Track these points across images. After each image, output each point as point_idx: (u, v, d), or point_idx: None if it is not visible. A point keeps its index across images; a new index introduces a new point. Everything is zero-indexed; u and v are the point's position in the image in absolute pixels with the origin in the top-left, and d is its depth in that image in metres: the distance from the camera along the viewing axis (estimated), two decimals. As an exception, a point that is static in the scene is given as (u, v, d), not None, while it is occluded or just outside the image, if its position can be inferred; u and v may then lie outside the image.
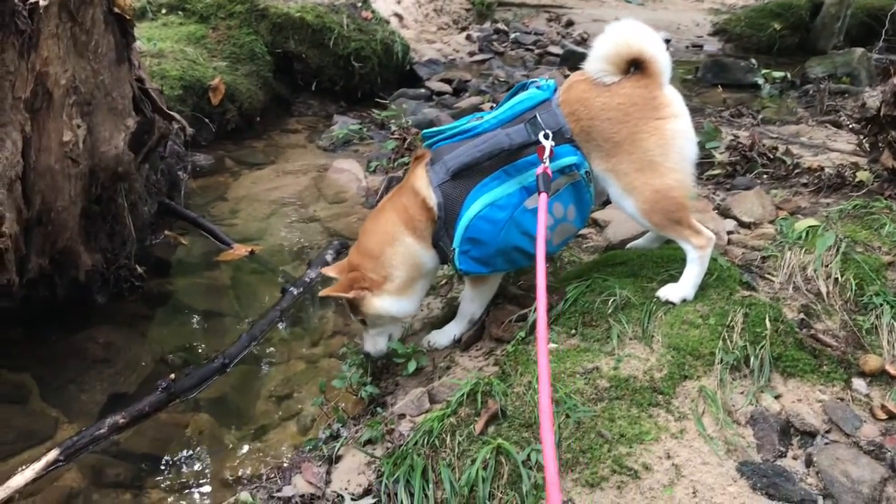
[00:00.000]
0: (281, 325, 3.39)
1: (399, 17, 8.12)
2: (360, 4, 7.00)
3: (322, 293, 2.66)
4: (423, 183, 2.54)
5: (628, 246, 3.00)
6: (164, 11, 6.30)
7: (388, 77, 6.90)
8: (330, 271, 2.79)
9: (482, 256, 2.47)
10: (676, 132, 2.43)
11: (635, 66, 2.46)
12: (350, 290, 2.57)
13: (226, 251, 3.98)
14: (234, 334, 3.25)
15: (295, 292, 3.55)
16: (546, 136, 2.41)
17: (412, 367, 2.62)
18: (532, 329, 2.47)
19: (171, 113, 3.45)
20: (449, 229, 2.49)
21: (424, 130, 2.70)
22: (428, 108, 6.11)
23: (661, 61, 2.45)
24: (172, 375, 2.83)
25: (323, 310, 3.53)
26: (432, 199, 2.50)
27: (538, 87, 2.59)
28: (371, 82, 6.71)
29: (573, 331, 2.43)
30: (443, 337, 2.77)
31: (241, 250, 3.98)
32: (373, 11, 7.08)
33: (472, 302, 2.73)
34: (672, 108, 2.46)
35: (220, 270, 3.88)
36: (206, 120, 5.35)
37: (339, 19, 6.61)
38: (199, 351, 3.24)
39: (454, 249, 2.46)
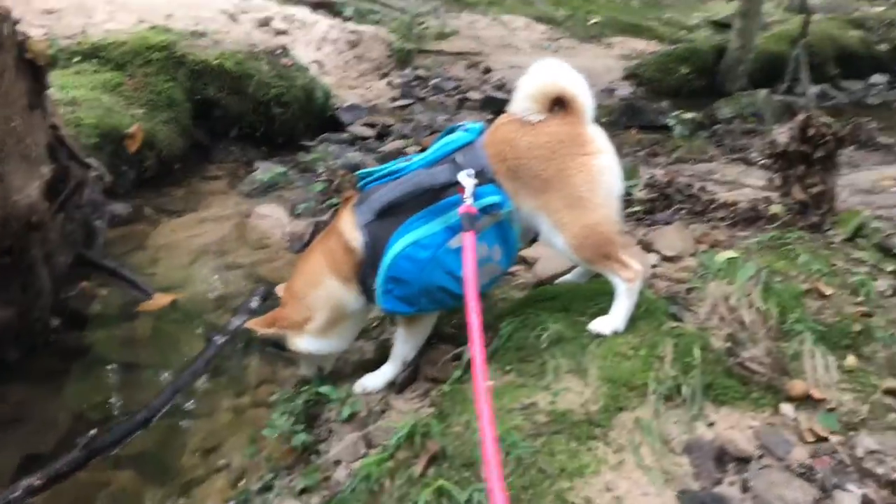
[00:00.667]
0: (206, 376, 3.28)
1: (319, 63, 8.14)
2: (279, 51, 6.98)
3: (247, 324, 2.72)
4: (348, 225, 2.55)
5: (558, 281, 3.04)
6: (76, 59, 6.14)
7: (310, 122, 6.88)
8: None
9: (405, 296, 2.47)
10: (603, 168, 2.48)
11: (560, 105, 2.50)
12: (271, 326, 2.65)
13: (146, 301, 3.85)
14: (157, 387, 3.13)
15: (220, 341, 3.45)
16: (468, 176, 2.43)
17: (346, 412, 2.57)
18: (468, 367, 2.46)
19: (88, 160, 3.34)
20: (375, 268, 2.48)
21: (359, 171, 2.70)
22: (352, 153, 6.10)
23: (585, 100, 2.52)
24: (92, 432, 2.69)
25: (248, 358, 3.44)
26: (357, 240, 2.51)
27: (465, 130, 2.62)
28: (293, 127, 6.67)
29: (509, 367, 2.42)
30: (377, 380, 2.72)
31: (162, 300, 3.85)
32: (293, 58, 7.07)
33: (404, 343, 2.71)
34: (597, 144, 2.52)
35: (141, 321, 3.74)
36: (124, 168, 5.21)
37: (260, 66, 6.57)
38: (120, 405, 3.11)
39: (377, 289, 2.45)
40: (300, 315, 2.64)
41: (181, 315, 3.79)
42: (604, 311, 2.55)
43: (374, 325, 3.17)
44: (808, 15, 4.57)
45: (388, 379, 2.71)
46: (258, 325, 2.70)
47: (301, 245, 4.56)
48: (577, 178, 2.45)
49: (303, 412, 2.70)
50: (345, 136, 6.83)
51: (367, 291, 2.57)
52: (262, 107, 6.49)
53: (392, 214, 2.46)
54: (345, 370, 2.95)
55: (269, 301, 3.88)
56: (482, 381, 1.64)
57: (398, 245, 2.42)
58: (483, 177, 2.46)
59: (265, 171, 5.78)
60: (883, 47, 11.45)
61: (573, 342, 2.45)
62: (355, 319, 2.73)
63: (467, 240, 2.21)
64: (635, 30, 12.29)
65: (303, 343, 2.68)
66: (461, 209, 2.34)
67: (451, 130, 2.67)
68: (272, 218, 4.97)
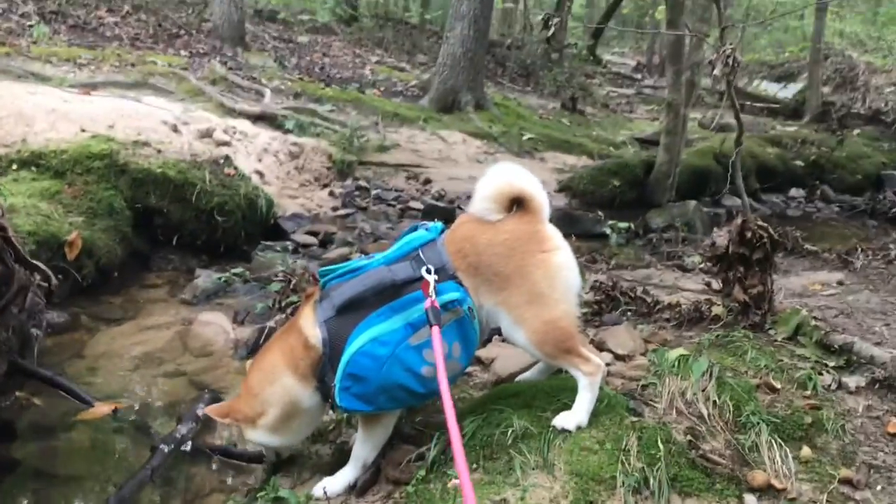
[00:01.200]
0: (152, 486, 3.13)
1: (261, 174, 8.20)
2: (222, 161, 7.03)
3: (205, 409, 2.72)
4: (308, 321, 2.53)
5: (517, 379, 3.04)
6: (14, 167, 6.07)
7: (253, 231, 6.86)
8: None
9: (364, 393, 2.42)
10: (561, 264, 2.56)
11: (517, 205, 2.59)
12: (225, 416, 2.68)
13: (86, 410, 3.69)
14: (99, 499, 2.97)
15: (166, 450, 3.31)
16: (428, 272, 2.46)
17: (306, 516, 2.48)
18: (433, 467, 2.42)
19: (36, 262, 3.27)
20: (334, 365, 2.45)
21: (320, 269, 2.71)
22: (297, 261, 6.10)
23: (541, 199, 2.63)
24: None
25: (197, 467, 3.31)
26: (316, 337, 2.49)
27: (426, 229, 2.68)
28: (235, 236, 6.64)
29: (475, 465, 2.39)
30: (336, 483, 2.64)
31: (102, 408, 3.70)
32: (235, 168, 7.12)
33: (364, 444, 2.65)
34: (555, 241, 2.62)
35: (79, 431, 3.58)
36: (61, 276, 5.08)
37: (202, 175, 6.58)
38: (59, 520, 2.93)
39: (335, 386, 2.41)
40: (253, 410, 2.62)
41: (123, 424, 3.65)
42: (566, 406, 2.56)
43: (331, 427, 3.10)
44: (741, 126, 4.89)
45: (349, 482, 2.63)
46: (214, 413, 2.72)
47: (247, 351, 4.49)
48: (537, 274, 2.51)
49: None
50: (288, 243, 6.84)
51: (324, 389, 2.53)
52: (205, 215, 6.47)
53: (352, 311, 2.45)
54: (304, 475, 2.86)
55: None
56: (464, 467, 1.61)
57: (357, 342, 2.40)
58: (444, 273, 2.49)
59: (207, 279, 5.72)
60: (798, 163, 12.17)
61: (538, 438, 2.44)
62: (309, 416, 2.69)
63: (435, 333, 2.22)
64: (566, 146, 12.80)
65: (255, 436, 2.69)
66: (426, 304, 2.35)
67: (414, 229, 2.71)
68: (215, 325, 4.88)
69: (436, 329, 2.26)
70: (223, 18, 13.72)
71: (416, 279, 2.46)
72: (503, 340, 3.77)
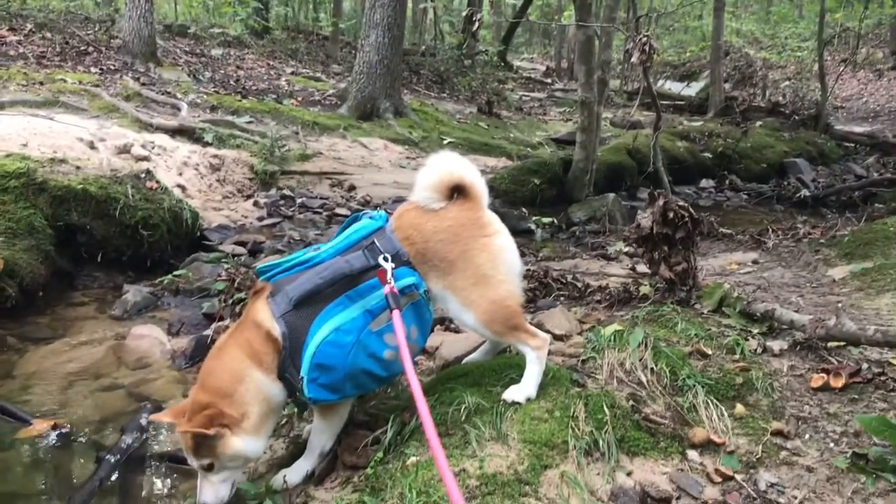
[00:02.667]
0: (100, 497, 3.09)
1: (182, 187, 8.09)
2: (143, 175, 6.91)
3: (180, 429, 2.45)
4: (265, 315, 2.53)
5: (464, 360, 3.14)
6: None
7: (179, 244, 6.76)
8: (164, 417, 2.64)
9: (331, 383, 2.47)
10: (502, 246, 2.69)
11: (458, 192, 2.70)
12: (210, 426, 2.40)
13: (24, 428, 3.61)
14: (45, 514, 2.93)
15: (112, 460, 3.28)
16: (385, 259, 2.54)
17: (267, 508, 2.50)
18: (389, 449, 2.50)
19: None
20: (295, 359, 2.48)
21: (259, 266, 2.73)
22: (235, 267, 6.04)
23: (480, 187, 2.75)
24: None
25: (143, 476, 3.28)
26: (276, 330, 2.49)
27: (371, 218, 2.74)
28: (161, 250, 6.53)
29: (432, 441, 2.46)
30: (295, 474, 2.68)
31: (41, 425, 3.62)
32: (157, 182, 7.01)
33: (321, 434, 2.69)
34: (494, 225, 2.74)
35: (17, 450, 3.50)
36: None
37: (124, 190, 6.47)
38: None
39: (302, 378, 2.45)
40: (236, 412, 2.46)
41: (64, 439, 3.58)
42: (514, 381, 2.67)
43: (284, 422, 3.13)
44: (658, 110, 5.13)
45: (307, 471, 2.67)
46: (193, 428, 2.39)
47: (185, 361, 4.45)
48: (481, 257, 2.63)
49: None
50: (216, 255, 6.77)
51: (287, 384, 2.55)
52: (129, 230, 6.35)
53: (309, 304, 2.49)
54: (259, 469, 2.88)
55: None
56: (434, 436, 1.70)
57: (321, 332, 2.44)
58: (398, 259, 2.57)
59: (136, 293, 5.63)
60: (707, 155, 12.68)
61: (490, 412, 2.53)
62: (276, 414, 2.67)
63: (396, 317, 2.32)
64: (486, 148, 13.01)
65: (241, 443, 2.47)
66: (386, 290, 2.43)
67: (356, 219, 2.77)
68: (150, 337, 4.82)
69: (396, 313, 2.36)
70: (133, 34, 13.43)
71: (372, 267, 2.53)
72: (445, 330, 3.88)
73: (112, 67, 12.97)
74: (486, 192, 2.77)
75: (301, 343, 2.46)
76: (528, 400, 2.59)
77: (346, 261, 2.54)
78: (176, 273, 4.70)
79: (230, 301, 3.18)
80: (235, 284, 3.12)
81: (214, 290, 3.10)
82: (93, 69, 12.61)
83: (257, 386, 2.51)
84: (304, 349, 2.45)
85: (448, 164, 2.72)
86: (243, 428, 2.48)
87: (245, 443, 2.48)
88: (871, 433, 2.38)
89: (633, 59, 4.31)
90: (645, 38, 4.19)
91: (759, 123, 15.41)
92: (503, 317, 2.61)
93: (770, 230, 6.83)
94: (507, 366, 2.81)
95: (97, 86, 11.27)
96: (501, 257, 2.67)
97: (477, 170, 2.77)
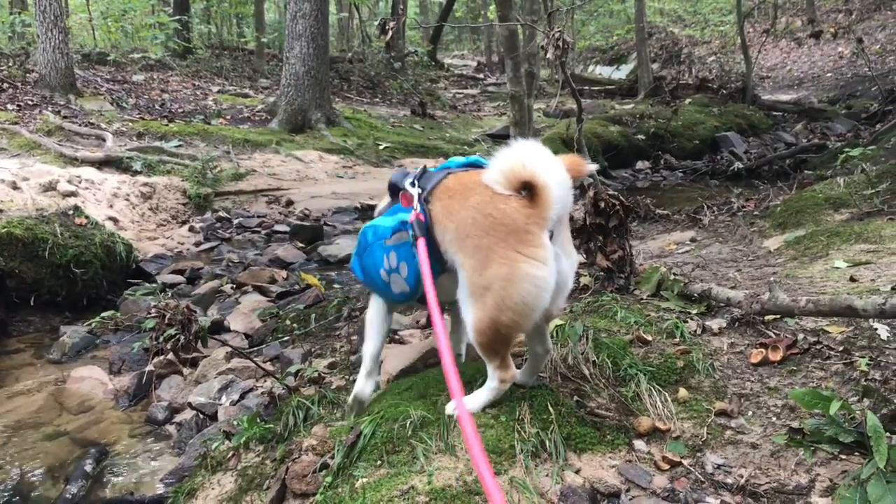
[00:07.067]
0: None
1: (114, 220, 7.90)
2: (71, 212, 6.73)
3: None
4: None
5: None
6: None
7: (114, 279, 6.60)
8: None
9: (359, 264, 2.79)
10: (527, 276, 2.29)
11: (528, 191, 2.33)
12: None
13: (-39, 489, 3.48)
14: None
15: (57, 512, 3.17)
16: (412, 185, 2.62)
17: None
18: (338, 473, 2.45)
19: None
20: None
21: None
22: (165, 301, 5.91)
23: (550, 194, 2.29)
24: None
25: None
26: None
27: (453, 163, 2.78)
28: (97, 286, 6.37)
29: (379, 461, 2.42)
30: (358, 386, 2.87)
31: (-20, 484, 3.50)
32: (87, 217, 6.83)
33: (364, 338, 2.92)
34: (539, 251, 2.30)
35: (-44, 514, 3.37)
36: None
37: (52, 229, 6.28)
38: None
39: None
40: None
41: (8, 495, 3.45)
42: (458, 391, 2.63)
43: (230, 455, 3.05)
44: (580, 104, 5.16)
45: (364, 377, 2.87)
46: None
47: (129, 400, 4.34)
48: (500, 270, 2.31)
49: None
50: (153, 286, 6.62)
51: None
52: (61, 270, 6.18)
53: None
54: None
55: (105, 462, 3.66)
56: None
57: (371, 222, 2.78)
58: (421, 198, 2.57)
59: (74, 334, 5.48)
60: (640, 137, 12.85)
61: (437, 423, 2.50)
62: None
63: (420, 245, 2.42)
64: (423, 150, 13.01)
65: None
66: (411, 217, 2.51)
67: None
68: (91, 379, 4.69)
69: (421, 241, 2.44)
70: (49, 67, 13.07)
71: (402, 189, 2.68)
72: (390, 342, 3.83)
73: (30, 103, 12.62)
74: (556, 206, 2.30)
75: None
76: (471, 414, 2.53)
77: (399, 174, 2.79)
78: (103, 316, 4.57)
79: (161, 338, 3.09)
80: (166, 320, 3.04)
81: (145, 328, 3.02)
82: (9, 106, 12.24)
83: None
84: None
85: (524, 156, 2.31)
86: None
87: None
88: (805, 407, 2.41)
89: (549, 56, 4.32)
90: (558, 34, 4.21)
91: (688, 101, 15.67)
92: (492, 339, 2.39)
93: (705, 207, 6.94)
94: (451, 374, 2.78)
95: (15, 123, 10.95)
96: (520, 286, 2.28)
97: (564, 178, 2.32)
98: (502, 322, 2.32)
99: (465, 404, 2.52)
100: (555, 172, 2.29)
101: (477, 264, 2.36)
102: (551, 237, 2.35)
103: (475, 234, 2.36)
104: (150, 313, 3.15)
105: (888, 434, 2.12)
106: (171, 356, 4.30)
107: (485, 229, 2.33)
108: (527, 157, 2.30)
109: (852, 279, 3.77)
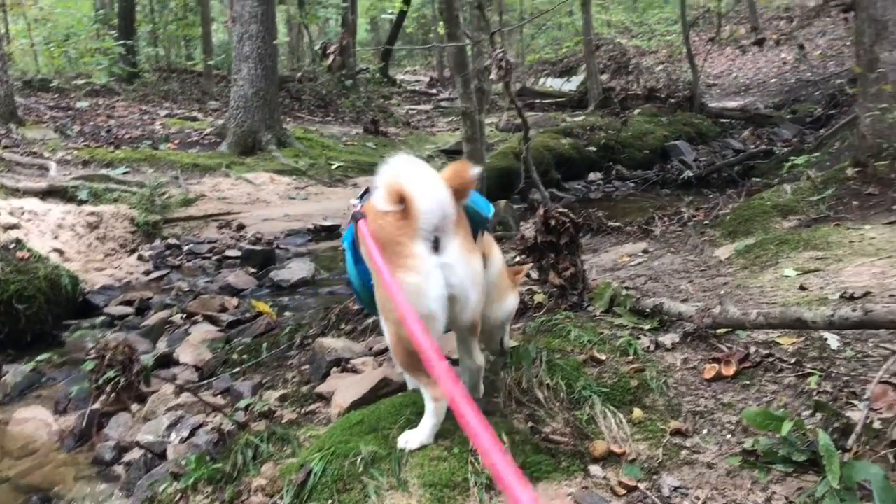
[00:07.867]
0: None
1: (60, 251, 7.69)
2: (13, 246, 6.53)
3: None
4: None
5: None
6: None
7: (60, 313, 6.41)
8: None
9: None
10: (403, 285, 2.26)
11: (402, 203, 2.32)
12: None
13: None
14: None
15: (-4, 567, 3.02)
16: (360, 198, 2.79)
17: None
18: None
19: None
20: None
21: None
22: (113, 334, 5.75)
23: (418, 204, 2.28)
24: None
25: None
26: None
27: None
28: (41, 322, 6.17)
29: (330, 501, 2.35)
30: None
31: (-86, 540, 3.33)
32: (29, 250, 6.63)
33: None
34: (410, 261, 2.31)
35: None
36: None
37: (-8, 263, 6.08)
38: None
39: None
40: None
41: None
42: (410, 422, 2.57)
43: (178, 497, 2.94)
44: (526, 123, 5.16)
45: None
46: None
47: (75, 441, 4.19)
48: (381, 288, 2.43)
49: None
50: (101, 319, 6.45)
51: None
52: (2, 306, 5.97)
53: None
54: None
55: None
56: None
57: None
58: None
59: (15, 374, 5.28)
60: (592, 149, 12.94)
61: (388, 458, 2.43)
62: None
63: (348, 260, 2.67)
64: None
65: None
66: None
67: None
68: (34, 420, 4.51)
69: (349, 257, 2.75)
70: (-12, 95, 12.77)
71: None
72: (342, 370, 3.75)
73: (-31, 133, 12.29)
74: (431, 213, 2.30)
75: None
76: (423, 446, 2.47)
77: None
78: (39, 359, 4.41)
79: (100, 380, 2.98)
80: (106, 361, 2.92)
81: (84, 371, 2.90)
82: (-52, 138, 11.92)
83: None
84: None
85: (396, 171, 2.33)
86: None
87: None
88: (758, 427, 2.39)
89: (493, 77, 4.31)
90: (501, 55, 4.19)
91: (637, 111, 15.84)
92: (399, 354, 2.44)
93: (656, 217, 6.98)
94: (404, 405, 2.71)
95: (-46, 155, 10.65)
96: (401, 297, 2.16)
97: (434, 186, 2.32)
98: (402, 335, 2.35)
99: (413, 441, 2.47)
100: (422, 183, 2.31)
101: (376, 281, 2.46)
102: (436, 247, 2.36)
103: (370, 251, 2.35)
104: (88, 355, 3.03)
105: (840, 451, 2.11)
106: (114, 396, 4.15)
107: (375, 245, 2.33)
108: (398, 171, 2.33)
109: (802, 287, 3.80)
